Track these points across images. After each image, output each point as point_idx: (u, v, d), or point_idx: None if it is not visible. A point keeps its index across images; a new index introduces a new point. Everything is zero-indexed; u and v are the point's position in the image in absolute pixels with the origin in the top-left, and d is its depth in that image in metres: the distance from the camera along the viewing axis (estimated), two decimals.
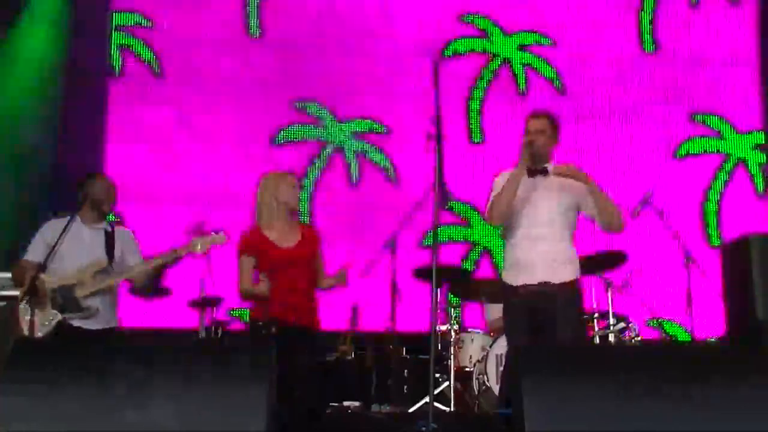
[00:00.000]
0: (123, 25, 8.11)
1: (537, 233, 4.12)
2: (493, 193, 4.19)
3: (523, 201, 4.14)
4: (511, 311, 4.16)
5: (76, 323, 4.34)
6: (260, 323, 4.16)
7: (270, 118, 7.97)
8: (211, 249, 4.43)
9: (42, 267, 4.27)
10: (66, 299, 4.32)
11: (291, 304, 4.20)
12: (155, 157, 7.87)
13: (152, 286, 4.79)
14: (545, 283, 4.06)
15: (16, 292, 4.53)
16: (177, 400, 2.53)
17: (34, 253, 4.44)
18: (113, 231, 4.59)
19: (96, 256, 4.44)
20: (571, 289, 4.12)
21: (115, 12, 8.11)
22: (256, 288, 4.22)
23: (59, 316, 4.30)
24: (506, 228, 4.24)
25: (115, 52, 8.05)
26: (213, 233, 4.39)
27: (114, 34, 8.07)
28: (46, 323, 4.27)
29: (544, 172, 4.16)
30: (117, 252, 4.51)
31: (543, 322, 4.01)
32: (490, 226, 4.06)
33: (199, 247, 4.35)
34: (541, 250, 4.10)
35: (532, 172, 4.16)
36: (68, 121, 7.52)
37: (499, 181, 4.22)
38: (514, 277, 4.15)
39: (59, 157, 7.38)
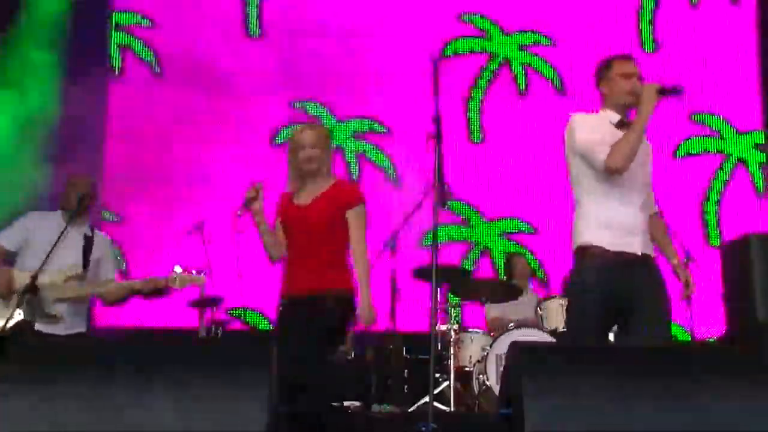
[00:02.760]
0: (123, 25, 8.12)
1: (637, 198, 3.48)
2: (580, 135, 3.58)
3: None
4: (591, 278, 3.40)
5: (37, 326, 4.23)
6: (284, 300, 3.76)
7: (270, 118, 7.97)
8: (187, 287, 4.39)
9: (11, 259, 4.24)
10: (31, 303, 4.19)
11: (301, 272, 3.72)
12: (155, 157, 7.87)
13: (118, 305, 4.62)
14: (645, 255, 3.46)
15: None
16: (177, 401, 2.52)
17: (9, 239, 4.39)
18: (93, 236, 4.51)
19: (72, 259, 4.37)
20: (659, 271, 3.53)
21: (115, 12, 8.12)
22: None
23: (20, 317, 4.17)
24: (593, 183, 3.48)
25: (115, 52, 8.06)
26: (195, 273, 4.33)
27: (114, 34, 8.08)
28: (5, 321, 4.13)
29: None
30: (93, 258, 4.45)
31: (630, 301, 3.45)
32: (612, 172, 3.38)
33: (177, 283, 4.30)
34: (641, 218, 3.47)
35: (624, 125, 3.58)
36: (68, 121, 7.52)
37: (590, 122, 3.66)
38: (601, 239, 3.41)
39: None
